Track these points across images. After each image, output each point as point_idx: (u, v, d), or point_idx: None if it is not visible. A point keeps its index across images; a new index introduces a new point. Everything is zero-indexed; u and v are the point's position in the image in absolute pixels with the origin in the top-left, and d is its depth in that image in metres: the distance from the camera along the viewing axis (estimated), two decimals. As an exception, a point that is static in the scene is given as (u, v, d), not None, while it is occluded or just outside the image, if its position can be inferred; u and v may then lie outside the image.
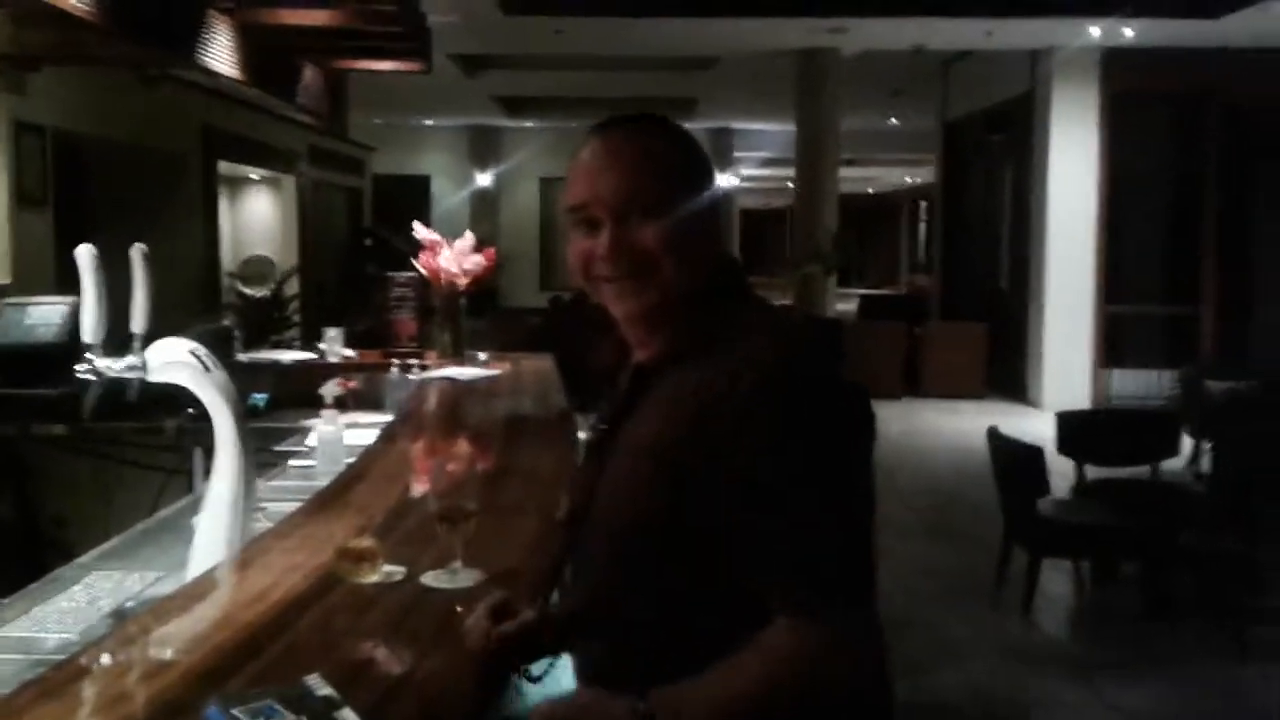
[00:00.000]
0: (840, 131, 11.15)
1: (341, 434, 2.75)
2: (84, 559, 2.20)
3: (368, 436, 2.99)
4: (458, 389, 3.81)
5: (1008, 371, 10.60)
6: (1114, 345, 10.07)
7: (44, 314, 3.88)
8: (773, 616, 1.14)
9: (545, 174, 18.25)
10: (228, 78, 5.45)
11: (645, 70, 12.32)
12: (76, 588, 2.01)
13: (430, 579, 1.79)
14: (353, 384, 3.18)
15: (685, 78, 12.62)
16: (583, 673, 1.39)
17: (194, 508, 2.22)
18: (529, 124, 17.17)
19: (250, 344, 6.15)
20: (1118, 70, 9.76)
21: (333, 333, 4.35)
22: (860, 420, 1.23)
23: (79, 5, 3.85)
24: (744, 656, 1.13)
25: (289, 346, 5.91)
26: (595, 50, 10.89)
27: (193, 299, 7.02)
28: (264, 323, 7.95)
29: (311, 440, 2.85)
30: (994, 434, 4.56)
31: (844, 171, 12.87)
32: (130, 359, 2.05)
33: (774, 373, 1.15)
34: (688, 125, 1.36)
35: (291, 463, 2.91)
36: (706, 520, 1.16)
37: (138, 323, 2.08)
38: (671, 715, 1.12)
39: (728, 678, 1.13)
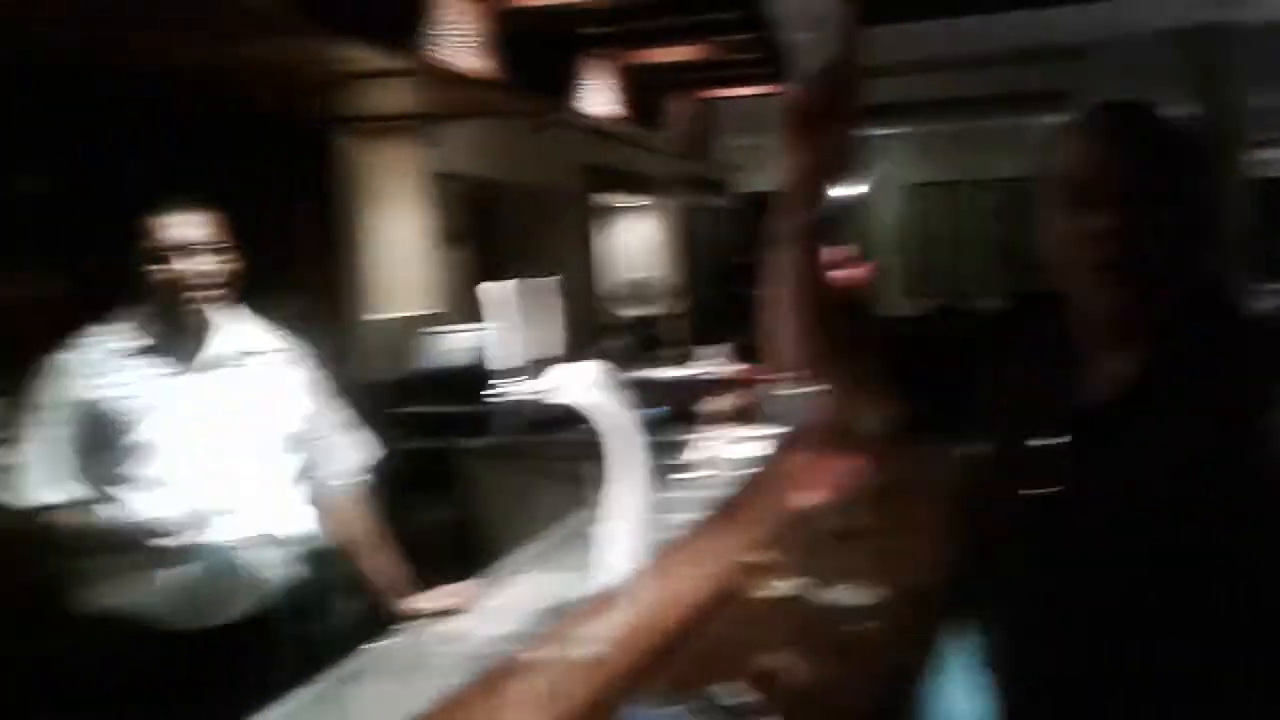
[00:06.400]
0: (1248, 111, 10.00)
1: (729, 448, 2.85)
2: (511, 560, 2.43)
3: (755, 450, 3.07)
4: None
5: None
6: None
7: (456, 341, 4.36)
8: None
9: (910, 181, 17.86)
10: (605, 117, 5.83)
11: (1009, 65, 11.77)
12: (509, 587, 2.22)
13: (828, 594, 1.82)
14: (738, 399, 3.28)
15: (1053, 69, 11.92)
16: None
17: (599, 517, 2.39)
18: (891, 131, 16.90)
19: (634, 362, 6.53)
20: None
21: (714, 350, 4.50)
22: None
23: (479, 66, 4.29)
24: None
25: (670, 364, 6.20)
26: (954, 50, 10.53)
27: (579, 322, 7.53)
28: (646, 342, 8.37)
29: (699, 453, 2.97)
30: None
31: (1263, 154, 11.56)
32: (541, 380, 2.24)
33: None
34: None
35: (681, 475, 3.05)
36: None
37: (553, 346, 2.27)
38: None
39: None
